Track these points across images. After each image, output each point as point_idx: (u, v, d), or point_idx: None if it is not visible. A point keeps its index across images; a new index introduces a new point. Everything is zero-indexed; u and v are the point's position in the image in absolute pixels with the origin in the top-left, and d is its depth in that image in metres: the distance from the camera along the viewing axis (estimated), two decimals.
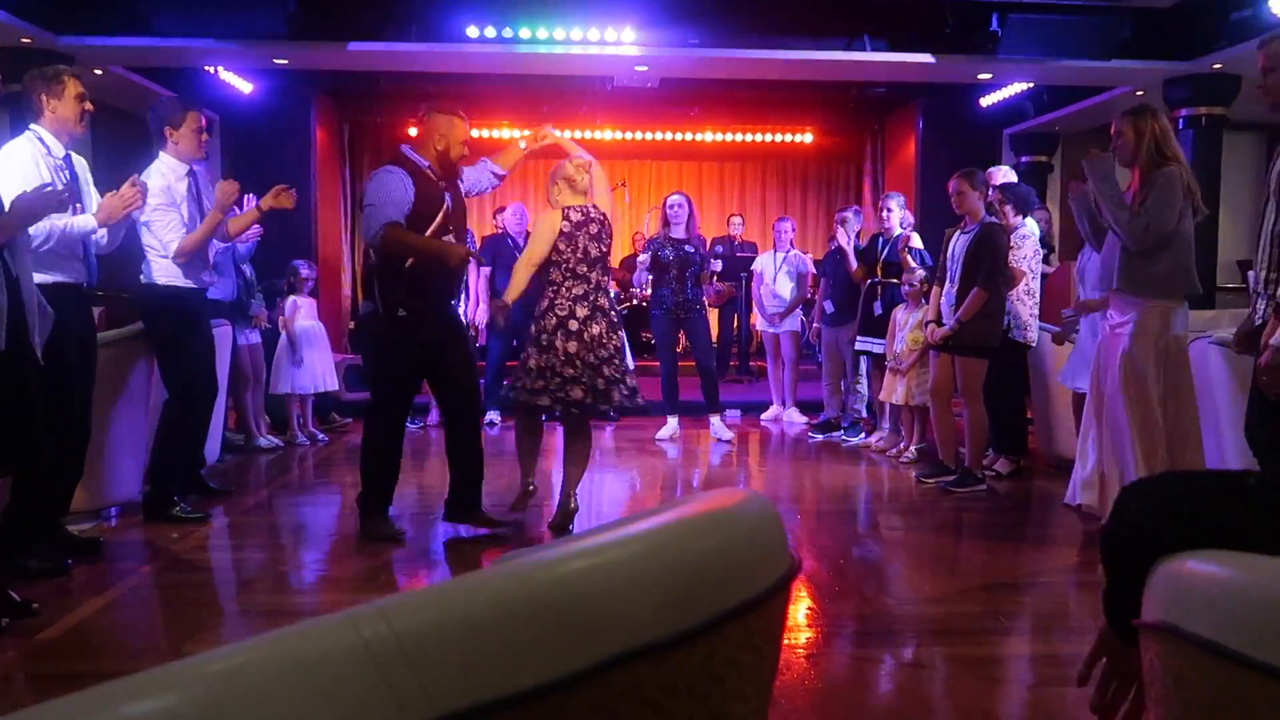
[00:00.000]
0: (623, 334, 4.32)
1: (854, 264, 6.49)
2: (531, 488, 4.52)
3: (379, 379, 4.21)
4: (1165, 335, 3.97)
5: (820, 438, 6.83)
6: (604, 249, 4.25)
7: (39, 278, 3.43)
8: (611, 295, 4.32)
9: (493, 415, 7.03)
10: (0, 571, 3.19)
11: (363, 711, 0.64)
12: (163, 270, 4.32)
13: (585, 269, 4.17)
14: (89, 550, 3.89)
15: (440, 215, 4.03)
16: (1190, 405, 4.01)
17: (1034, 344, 5.55)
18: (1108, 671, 1.26)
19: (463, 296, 7.14)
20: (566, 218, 4.17)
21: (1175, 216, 3.91)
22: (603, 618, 0.71)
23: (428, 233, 3.98)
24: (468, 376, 4.28)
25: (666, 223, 6.71)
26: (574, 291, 4.14)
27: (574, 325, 4.11)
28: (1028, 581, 3.82)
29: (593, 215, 4.23)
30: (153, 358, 4.54)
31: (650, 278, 7.06)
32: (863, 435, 6.67)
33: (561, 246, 4.15)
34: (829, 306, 6.84)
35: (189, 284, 4.40)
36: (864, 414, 6.83)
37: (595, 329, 4.12)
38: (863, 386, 6.77)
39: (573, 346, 4.09)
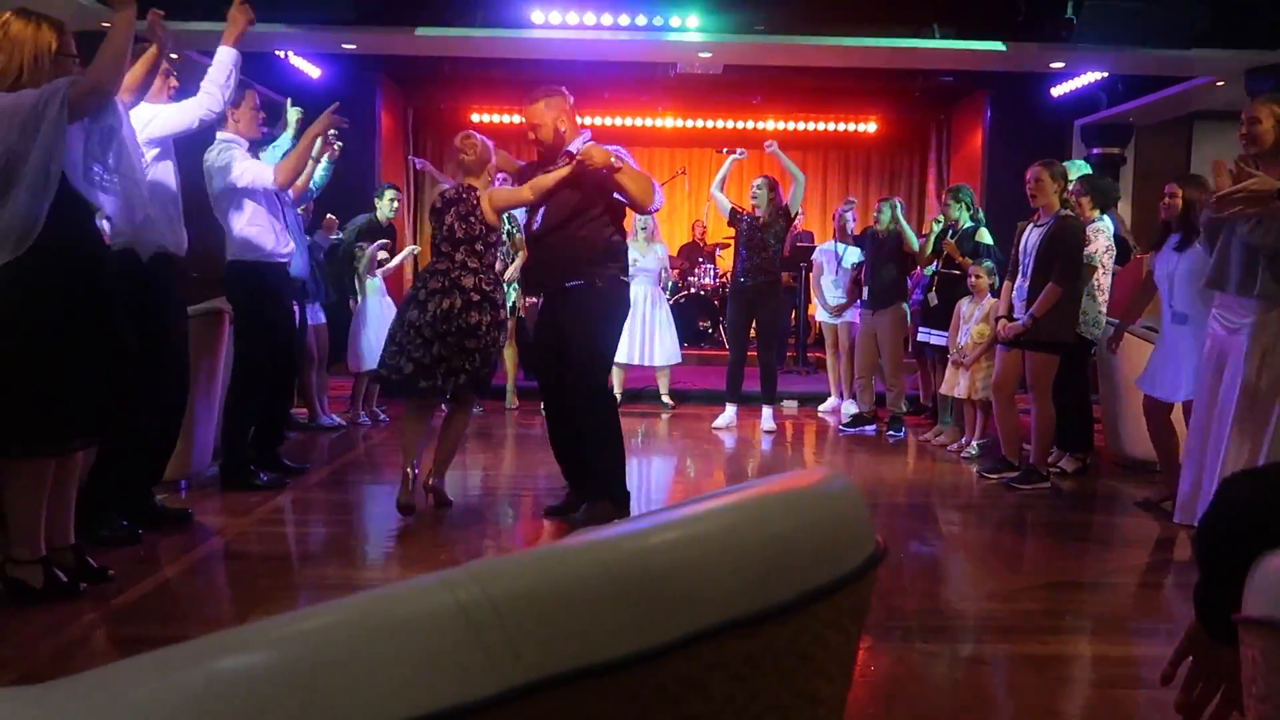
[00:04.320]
0: (495, 317, 4.13)
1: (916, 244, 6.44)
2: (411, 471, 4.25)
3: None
4: None
5: (851, 432, 6.73)
6: (473, 230, 4.13)
7: (155, 245, 3.62)
8: (487, 277, 4.15)
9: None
10: (79, 538, 3.29)
11: (457, 672, 0.64)
12: (245, 245, 4.48)
13: (449, 248, 4.13)
14: (179, 520, 4.00)
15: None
16: None
17: (1098, 339, 5.41)
18: (1195, 670, 1.22)
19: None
20: (441, 195, 4.28)
21: None
22: (693, 590, 0.70)
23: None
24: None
25: (751, 204, 6.69)
26: (436, 267, 4.17)
27: (421, 295, 4.10)
28: (1093, 581, 3.74)
29: (463, 195, 4.18)
30: (224, 333, 4.67)
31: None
32: (905, 430, 6.58)
33: (432, 224, 4.28)
34: (864, 294, 6.77)
35: (271, 259, 4.56)
36: (904, 409, 6.72)
37: (446, 303, 4.03)
38: (900, 381, 6.67)
39: (413, 315, 4.08)
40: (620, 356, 7.29)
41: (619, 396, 7.47)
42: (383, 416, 6.83)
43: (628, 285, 4.13)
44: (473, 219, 4.13)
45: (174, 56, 3.84)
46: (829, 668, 0.78)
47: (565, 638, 0.67)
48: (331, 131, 4.86)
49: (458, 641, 0.65)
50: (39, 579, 3.04)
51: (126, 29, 3.13)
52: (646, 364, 7.41)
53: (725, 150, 7.06)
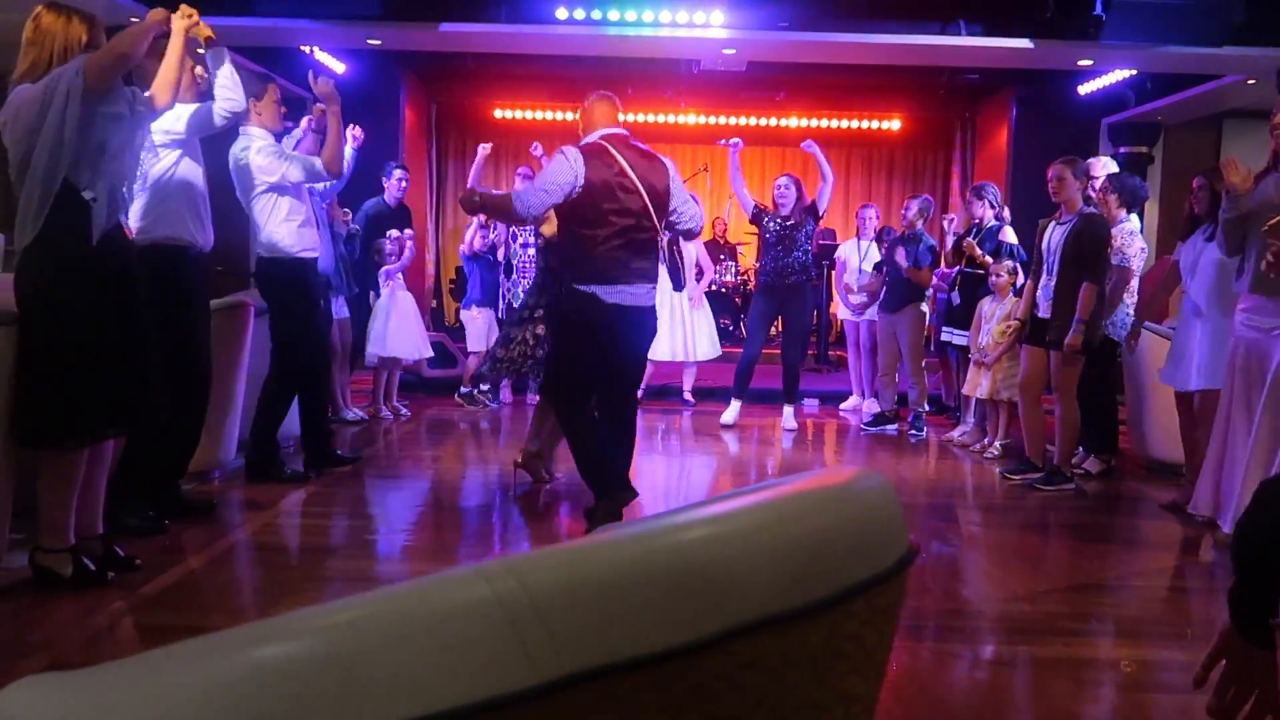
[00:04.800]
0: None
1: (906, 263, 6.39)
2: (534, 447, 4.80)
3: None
4: None
5: (873, 431, 6.69)
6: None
7: (159, 238, 3.64)
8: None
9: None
10: (107, 527, 3.33)
11: (494, 664, 0.65)
12: (279, 241, 4.50)
13: None
14: (202, 512, 4.03)
15: None
16: None
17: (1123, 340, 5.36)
18: (1227, 674, 1.20)
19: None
20: None
21: None
22: (729, 585, 0.70)
23: None
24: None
25: (775, 203, 6.62)
26: None
27: None
28: (1117, 584, 3.71)
29: None
30: (247, 326, 4.71)
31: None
32: (926, 429, 6.54)
33: None
34: (882, 294, 6.73)
35: (302, 254, 4.58)
36: (926, 408, 6.68)
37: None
38: (922, 379, 6.63)
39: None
40: (660, 354, 7.25)
41: (642, 392, 7.47)
42: (404, 411, 6.86)
43: (580, 299, 3.91)
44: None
45: (200, 50, 3.81)
46: (863, 666, 0.78)
47: (601, 631, 0.67)
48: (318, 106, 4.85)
49: (494, 633, 0.65)
50: (67, 567, 3.08)
51: (158, 26, 3.14)
52: (688, 359, 7.38)
53: (725, 142, 6.78)
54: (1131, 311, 5.29)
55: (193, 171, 3.82)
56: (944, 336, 6.48)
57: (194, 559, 3.56)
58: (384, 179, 6.80)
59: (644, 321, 4.09)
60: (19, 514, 3.16)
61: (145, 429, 3.34)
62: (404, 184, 6.82)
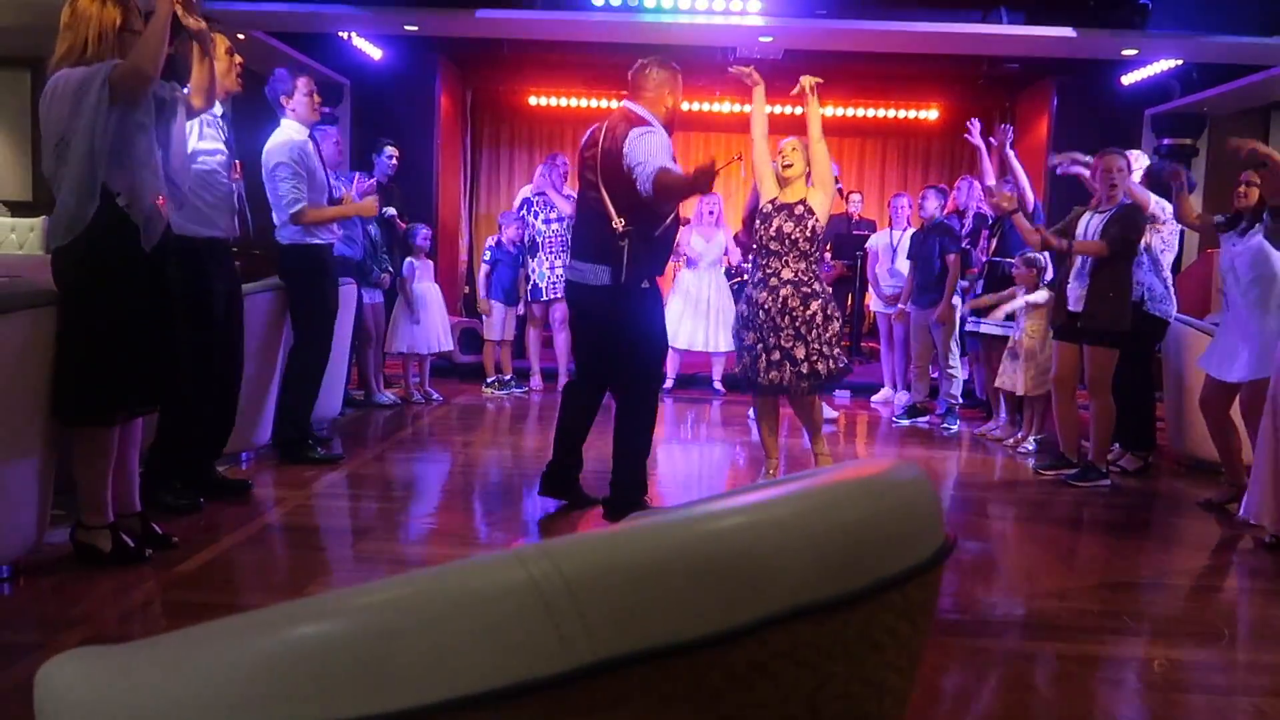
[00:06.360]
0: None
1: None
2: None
3: (651, 357, 3.86)
4: None
5: (906, 423, 6.65)
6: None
7: (196, 232, 3.70)
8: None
9: None
10: (145, 506, 3.39)
11: (528, 647, 0.65)
12: (295, 228, 4.59)
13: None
14: (238, 492, 4.10)
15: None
16: None
17: (1171, 318, 5.27)
18: None
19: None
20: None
21: None
22: (766, 575, 0.70)
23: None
24: None
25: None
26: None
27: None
28: (1150, 582, 3.66)
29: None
30: (283, 310, 4.76)
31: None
32: (958, 423, 6.47)
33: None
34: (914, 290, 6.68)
35: (319, 240, 4.70)
36: (959, 400, 6.61)
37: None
38: (956, 371, 6.54)
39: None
40: (681, 342, 7.26)
41: (672, 381, 7.50)
42: (436, 396, 6.92)
43: None
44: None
45: (240, 37, 3.85)
46: (898, 660, 0.77)
47: (636, 618, 0.66)
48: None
49: (528, 618, 0.66)
50: (107, 544, 3.15)
51: (165, 13, 3.15)
52: (711, 350, 7.38)
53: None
54: (1169, 286, 5.23)
55: (220, 162, 3.87)
56: (969, 326, 6.40)
57: (230, 538, 3.61)
58: (374, 156, 6.76)
59: (585, 305, 3.75)
60: (61, 491, 3.23)
61: (176, 408, 3.40)
62: (393, 160, 6.72)
